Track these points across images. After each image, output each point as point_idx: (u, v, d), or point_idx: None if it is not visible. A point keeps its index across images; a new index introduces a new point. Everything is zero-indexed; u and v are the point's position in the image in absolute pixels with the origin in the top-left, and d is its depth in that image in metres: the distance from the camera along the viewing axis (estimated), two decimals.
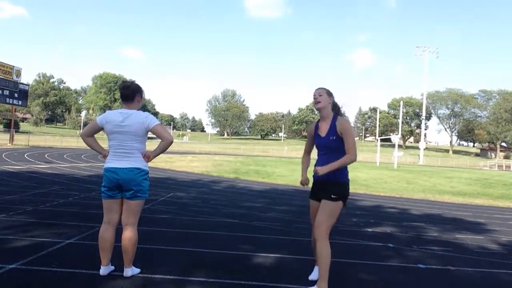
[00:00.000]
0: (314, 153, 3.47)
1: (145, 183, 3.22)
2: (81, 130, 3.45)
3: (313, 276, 3.44)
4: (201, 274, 3.43)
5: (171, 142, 3.20)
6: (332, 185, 3.17)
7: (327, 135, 3.23)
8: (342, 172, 3.19)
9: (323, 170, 3.07)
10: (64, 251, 3.89)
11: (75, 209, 6.21)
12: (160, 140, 3.21)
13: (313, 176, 3.26)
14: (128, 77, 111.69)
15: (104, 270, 3.22)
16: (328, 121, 3.27)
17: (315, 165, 3.22)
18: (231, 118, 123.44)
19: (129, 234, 3.18)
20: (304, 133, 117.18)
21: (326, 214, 3.12)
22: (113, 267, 3.30)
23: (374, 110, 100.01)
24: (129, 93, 3.22)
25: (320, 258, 3.05)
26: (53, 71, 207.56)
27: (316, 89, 3.36)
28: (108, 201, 3.22)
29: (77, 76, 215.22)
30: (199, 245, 4.42)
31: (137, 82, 3.31)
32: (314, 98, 3.33)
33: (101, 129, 3.24)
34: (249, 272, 3.60)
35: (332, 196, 3.13)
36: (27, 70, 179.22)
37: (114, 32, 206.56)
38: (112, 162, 3.17)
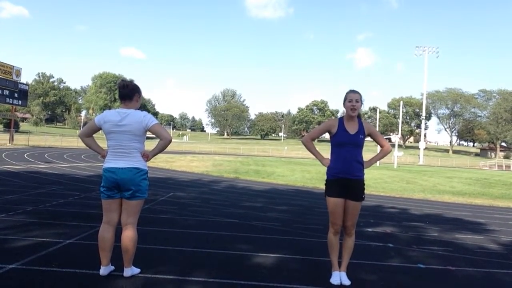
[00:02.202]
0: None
1: (144, 183, 3.21)
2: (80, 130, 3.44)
3: (335, 280, 3.39)
4: (201, 274, 3.43)
5: (170, 141, 3.22)
6: (361, 184, 3.38)
7: (357, 134, 3.38)
8: (363, 170, 3.42)
9: (368, 166, 3.45)
10: (64, 251, 3.89)
11: (75, 209, 6.21)
12: (158, 140, 3.21)
13: (334, 173, 3.35)
14: (128, 77, 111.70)
15: (104, 270, 3.22)
16: (355, 121, 3.42)
17: (338, 160, 3.35)
18: (231, 118, 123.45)
19: (128, 234, 3.17)
20: (304, 133, 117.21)
21: (357, 215, 3.43)
22: (113, 267, 3.30)
23: (374, 110, 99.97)
24: (128, 92, 3.21)
25: (349, 251, 3.48)
26: (53, 71, 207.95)
27: (354, 93, 3.39)
28: (107, 201, 3.21)
29: (77, 76, 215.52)
30: (199, 245, 4.42)
31: (135, 82, 3.30)
32: (349, 101, 3.36)
33: (99, 129, 3.24)
34: (249, 272, 3.59)
35: (363, 196, 3.41)
36: (27, 69, 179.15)
37: (115, 32, 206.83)
38: (110, 162, 3.16)
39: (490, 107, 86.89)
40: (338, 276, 3.41)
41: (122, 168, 3.11)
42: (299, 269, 3.71)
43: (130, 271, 3.24)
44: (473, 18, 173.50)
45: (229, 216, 6.51)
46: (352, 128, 3.38)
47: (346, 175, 3.33)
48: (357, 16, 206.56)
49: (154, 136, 3.23)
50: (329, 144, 3.46)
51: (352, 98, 3.36)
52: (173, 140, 3.26)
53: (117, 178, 3.10)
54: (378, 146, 3.69)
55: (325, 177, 3.47)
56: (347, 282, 3.37)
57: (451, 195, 12.82)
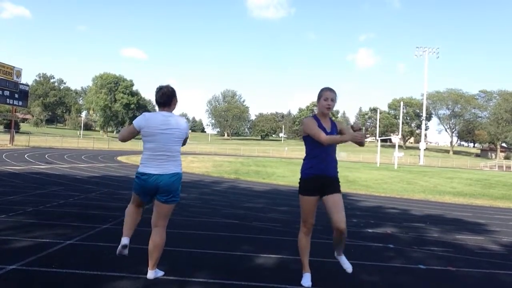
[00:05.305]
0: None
1: (180, 187, 3.25)
2: (119, 134, 3.42)
3: (306, 282, 3.35)
4: (202, 275, 3.43)
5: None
6: (337, 181, 3.35)
7: (332, 131, 3.34)
8: (337, 167, 3.40)
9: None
10: (64, 252, 3.89)
11: (75, 210, 6.21)
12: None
13: (311, 172, 3.31)
14: (129, 77, 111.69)
15: (125, 240, 3.19)
16: (327, 119, 3.40)
17: (314, 158, 3.30)
18: (231, 118, 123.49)
19: (158, 237, 3.20)
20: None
21: (343, 208, 3.31)
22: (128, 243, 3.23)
23: (374, 110, 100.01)
24: (166, 99, 3.21)
25: (342, 242, 3.41)
26: (54, 71, 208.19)
27: (330, 91, 3.33)
28: (139, 198, 3.24)
29: (77, 76, 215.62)
30: (199, 246, 4.42)
31: (170, 86, 3.27)
32: (325, 100, 3.30)
33: (138, 132, 3.20)
34: (250, 273, 3.59)
35: (339, 189, 3.35)
36: (28, 70, 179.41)
37: (115, 33, 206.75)
38: (149, 168, 3.10)
39: (491, 108, 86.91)
40: (309, 278, 3.37)
41: (162, 175, 3.09)
42: (299, 270, 3.69)
43: (154, 273, 3.25)
44: (473, 19, 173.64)
45: (229, 216, 6.51)
46: (327, 126, 3.35)
47: (322, 172, 3.28)
48: (359, 17, 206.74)
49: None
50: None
51: (328, 97, 3.29)
52: None
53: (156, 185, 3.09)
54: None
55: (300, 175, 3.41)
56: (349, 266, 3.37)
57: (451, 195, 12.81)
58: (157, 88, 3.26)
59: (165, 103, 3.20)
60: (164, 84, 3.29)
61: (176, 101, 3.29)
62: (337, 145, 3.39)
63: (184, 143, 3.33)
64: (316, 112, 3.45)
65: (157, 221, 3.22)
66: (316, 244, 4.88)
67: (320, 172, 3.28)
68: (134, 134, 3.25)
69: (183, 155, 31.92)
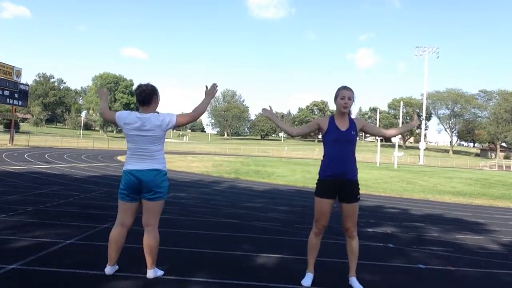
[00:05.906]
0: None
1: (165, 184, 3.23)
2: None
3: (306, 281, 3.36)
4: (202, 274, 3.43)
5: (203, 111, 3.44)
6: (355, 185, 3.29)
7: (349, 130, 3.30)
8: (356, 170, 3.34)
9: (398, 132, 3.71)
10: (64, 251, 3.89)
11: (75, 209, 6.21)
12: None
13: (327, 175, 3.28)
14: (129, 77, 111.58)
15: (110, 269, 3.24)
16: (346, 119, 3.35)
17: (331, 159, 3.28)
18: (231, 118, 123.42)
19: (150, 236, 3.20)
20: None
21: (356, 215, 3.34)
22: (117, 267, 3.31)
23: (374, 110, 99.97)
24: (145, 97, 3.19)
25: (356, 253, 3.41)
26: (54, 71, 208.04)
27: (346, 90, 3.31)
28: (125, 203, 3.22)
29: (77, 76, 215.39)
30: (199, 246, 4.42)
31: (151, 83, 3.27)
32: (341, 98, 3.28)
33: (114, 121, 3.26)
34: (250, 272, 3.59)
35: (358, 196, 3.33)
36: (28, 70, 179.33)
37: (115, 32, 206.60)
38: (131, 164, 3.16)
39: (490, 108, 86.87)
40: (311, 279, 3.37)
41: (142, 170, 3.12)
42: (299, 270, 3.70)
43: (154, 272, 3.26)
44: (473, 19, 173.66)
45: (229, 216, 6.51)
46: (343, 125, 3.31)
47: (339, 177, 3.24)
48: (359, 17, 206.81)
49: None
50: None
51: (345, 95, 3.27)
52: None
53: (138, 181, 3.11)
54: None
55: (317, 176, 3.40)
56: (359, 287, 3.30)
57: (451, 195, 12.81)
58: (137, 86, 3.26)
59: (144, 101, 3.19)
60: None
61: (157, 100, 3.27)
62: (355, 144, 3.37)
63: (189, 118, 3.33)
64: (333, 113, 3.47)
65: (147, 220, 3.22)
66: None
67: (337, 174, 3.24)
68: (111, 119, 3.30)
69: (183, 155, 31.92)
